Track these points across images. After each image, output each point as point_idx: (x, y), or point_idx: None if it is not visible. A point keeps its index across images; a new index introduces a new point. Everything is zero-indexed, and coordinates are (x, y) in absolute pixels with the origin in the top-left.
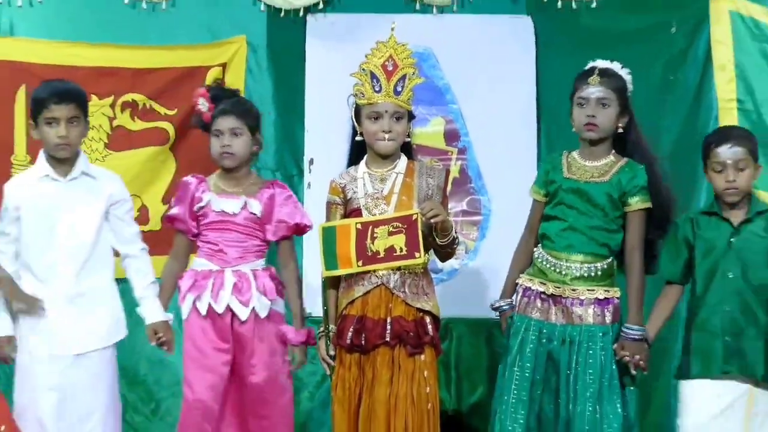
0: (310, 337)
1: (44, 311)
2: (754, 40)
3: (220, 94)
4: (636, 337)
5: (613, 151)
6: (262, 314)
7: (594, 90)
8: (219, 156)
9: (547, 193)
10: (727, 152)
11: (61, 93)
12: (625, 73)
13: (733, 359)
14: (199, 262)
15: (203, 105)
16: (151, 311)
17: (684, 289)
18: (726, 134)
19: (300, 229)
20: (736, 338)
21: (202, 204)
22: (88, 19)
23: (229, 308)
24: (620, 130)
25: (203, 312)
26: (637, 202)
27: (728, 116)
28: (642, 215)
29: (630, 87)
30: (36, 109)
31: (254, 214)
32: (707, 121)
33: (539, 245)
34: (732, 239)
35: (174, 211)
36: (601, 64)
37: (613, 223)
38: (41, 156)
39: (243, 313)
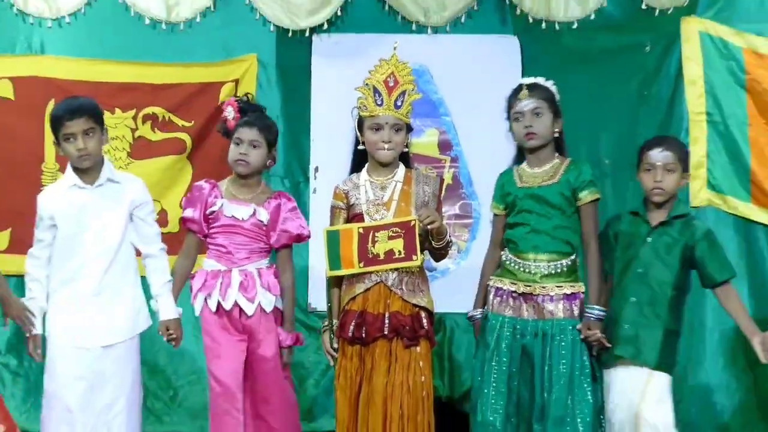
0: (297, 340)
1: (33, 326)
2: (722, 58)
3: (247, 107)
4: (600, 316)
5: (557, 154)
6: (268, 309)
7: (526, 102)
8: (235, 162)
9: (506, 206)
10: (657, 155)
11: (73, 109)
12: (550, 84)
13: (627, 346)
14: (208, 263)
15: (230, 113)
16: (165, 308)
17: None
18: (659, 140)
19: (301, 239)
20: (635, 327)
21: (214, 208)
22: (112, 38)
23: (236, 304)
24: (557, 134)
25: (213, 308)
26: (586, 195)
27: (698, 128)
28: (593, 206)
29: (557, 96)
30: (54, 128)
31: (261, 221)
32: (678, 131)
33: (506, 249)
34: (648, 238)
35: (188, 213)
36: (526, 80)
37: (571, 219)
38: (69, 167)
39: (249, 308)
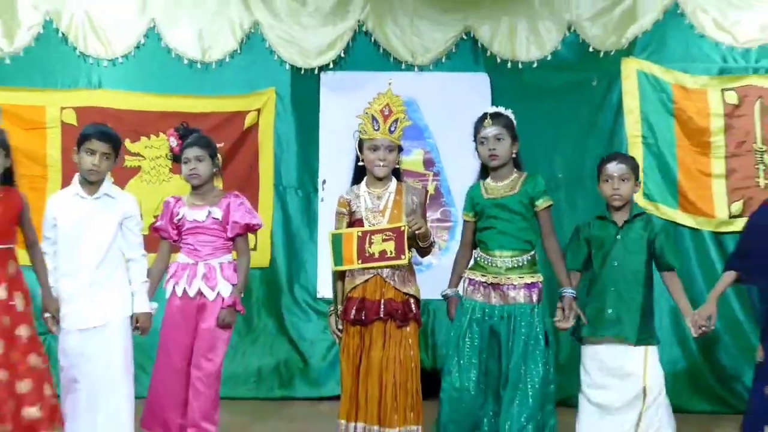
0: (236, 303)
1: (56, 327)
2: (655, 91)
3: (185, 132)
4: (573, 294)
5: (515, 170)
6: (226, 295)
7: (490, 130)
8: (188, 177)
9: (475, 214)
10: (614, 167)
11: (102, 133)
12: (509, 113)
13: (612, 327)
14: (180, 258)
15: (173, 142)
16: (139, 304)
17: (582, 274)
18: (614, 155)
19: (250, 228)
20: (617, 311)
21: (179, 216)
22: (157, 75)
23: (200, 291)
24: (514, 155)
25: (179, 294)
26: (542, 203)
27: (635, 148)
28: (548, 210)
29: (515, 122)
30: (81, 140)
31: (217, 218)
32: (620, 151)
33: (477, 248)
34: (618, 236)
35: (158, 224)
36: (490, 110)
37: (530, 222)
38: (75, 178)
39: (210, 295)
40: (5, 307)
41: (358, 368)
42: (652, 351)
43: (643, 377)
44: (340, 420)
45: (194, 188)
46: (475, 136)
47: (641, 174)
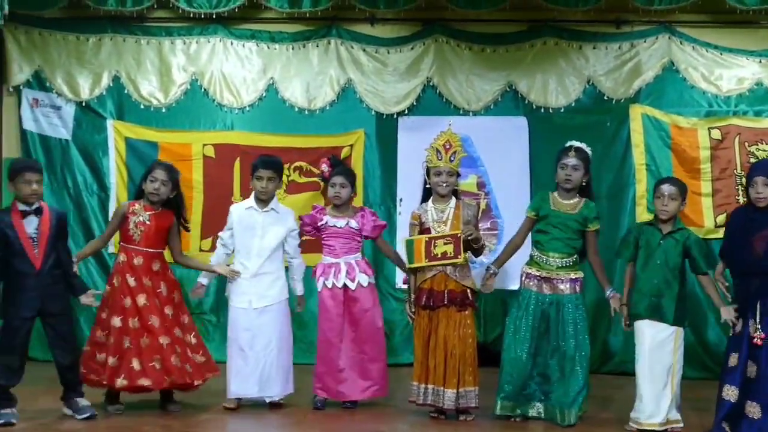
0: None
1: (237, 276)
2: (655, 130)
3: (336, 162)
4: (616, 294)
5: (578, 194)
6: (365, 284)
7: (571, 160)
8: (333, 198)
9: (537, 215)
10: (666, 188)
11: (266, 162)
12: (589, 150)
13: (654, 310)
14: (325, 259)
15: (325, 168)
16: (300, 288)
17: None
18: (667, 179)
19: (381, 229)
20: (657, 298)
21: (322, 222)
22: (275, 119)
23: (344, 284)
24: (584, 183)
25: (329, 286)
26: (592, 226)
27: (641, 173)
28: (596, 234)
29: (590, 158)
30: (252, 170)
31: (353, 228)
32: (629, 176)
33: (534, 247)
34: (661, 242)
35: (306, 220)
36: (576, 144)
37: (577, 235)
38: (253, 194)
39: (352, 285)
40: (153, 294)
41: (428, 342)
42: (680, 334)
43: (672, 357)
44: (413, 382)
45: (336, 207)
46: (557, 161)
47: (646, 193)
